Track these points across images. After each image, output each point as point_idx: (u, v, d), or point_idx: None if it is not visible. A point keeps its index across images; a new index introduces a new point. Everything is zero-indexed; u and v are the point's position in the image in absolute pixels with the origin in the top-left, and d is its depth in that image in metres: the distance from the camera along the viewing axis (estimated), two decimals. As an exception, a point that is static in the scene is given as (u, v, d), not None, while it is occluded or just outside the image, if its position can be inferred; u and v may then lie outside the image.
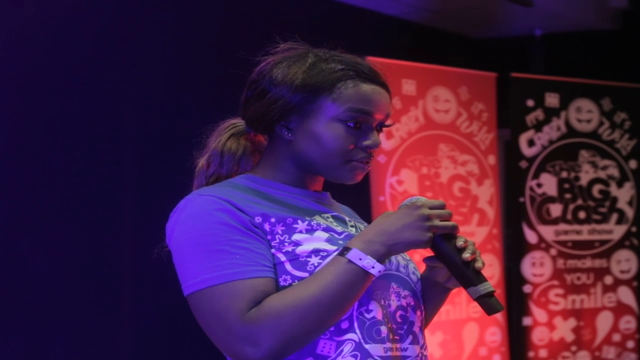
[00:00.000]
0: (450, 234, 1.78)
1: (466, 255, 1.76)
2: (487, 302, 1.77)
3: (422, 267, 1.92)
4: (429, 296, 1.94)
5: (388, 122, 1.92)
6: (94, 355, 4.43)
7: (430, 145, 5.18)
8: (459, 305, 5.15)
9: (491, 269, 5.32)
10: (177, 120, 4.60)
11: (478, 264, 1.77)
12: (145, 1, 4.65)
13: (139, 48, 4.61)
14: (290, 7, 5.20)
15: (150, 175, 4.55)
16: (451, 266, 1.79)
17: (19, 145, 4.18)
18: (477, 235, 5.29)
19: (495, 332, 5.36)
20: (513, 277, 5.58)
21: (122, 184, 4.54)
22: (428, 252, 1.83)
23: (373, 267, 1.72)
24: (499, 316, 5.36)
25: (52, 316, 4.25)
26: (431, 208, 1.77)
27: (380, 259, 1.73)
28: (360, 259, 1.71)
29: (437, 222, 1.76)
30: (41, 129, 4.24)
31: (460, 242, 1.77)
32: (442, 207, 1.79)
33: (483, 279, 1.77)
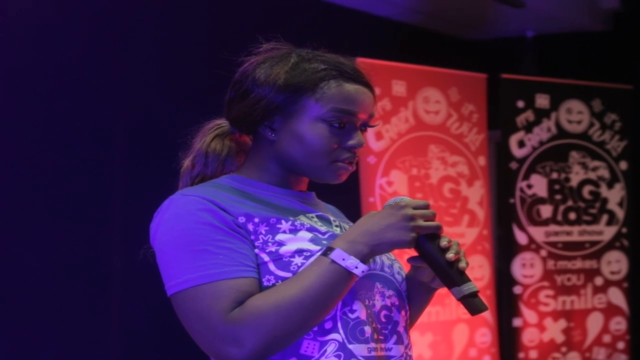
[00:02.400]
0: (434, 234, 1.78)
1: (450, 255, 1.76)
2: (470, 302, 1.77)
3: (408, 267, 1.92)
4: (414, 296, 1.94)
5: (373, 123, 1.92)
6: (84, 356, 4.42)
7: (420, 146, 5.18)
8: (448, 306, 5.15)
9: (481, 270, 5.33)
10: (166, 120, 4.59)
11: (462, 264, 1.77)
12: (132, 2, 4.64)
13: (127, 49, 4.61)
14: (280, 8, 5.19)
15: (140, 176, 4.55)
16: (435, 266, 1.79)
17: (7, 145, 4.17)
18: (467, 237, 5.29)
19: (485, 333, 5.36)
20: (503, 278, 5.58)
21: (112, 185, 4.54)
22: (413, 252, 1.83)
23: (356, 267, 1.72)
24: (489, 317, 5.36)
25: (41, 317, 4.24)
26: (415, 208, 1.78)
27: (364, 259, 1.73)
28: (343, 259, 1.71)
29: (420, 222, 1.76)
30: (30, 128, 4.23)
31: (444, 242, 1.77)
32: (426, 207, 1.79)
33: (467, 279, 1.77)
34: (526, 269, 5.57)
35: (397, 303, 1.85)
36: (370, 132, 4.91)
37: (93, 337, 4.46)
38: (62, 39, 4.32)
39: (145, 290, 4.38)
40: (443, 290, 1.97)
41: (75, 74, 4.37)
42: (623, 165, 5.83)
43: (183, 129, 2.02)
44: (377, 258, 1.85)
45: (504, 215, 5.61)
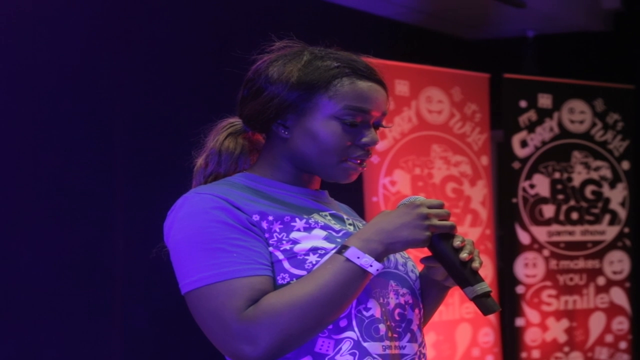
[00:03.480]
0: (448, 234, 1.78)
1: (463, 255, 1.76)
2: (483, 302, 1.77)
3: (421, 265, 1.92)
4: (427, 294, 1.94)
5: (385, 124, 1.92)
6: (86, 357, 4.42)
7: (423, 146, 5.18)
8: (452, 306, 5.15)
9: (484, 270, 5.32)
10: (171, 120, 4.60)
11: (475, 264, 1.77)
12: (138, 0, 4.64)
13: (132, 47, 4.60)
14: (283, 8, 5.20)
15: (143, 177, 4.54)
16: (448, 266, 1.78)
17: (10, 146, 4.16)
18: (470, 236, 5.29)
19: (488, 333, 5.36)
20: (506, 278, 5.59)
21: (115, 185, 4.54)
22: (426, 252, 1.83)
23: (371, 266, 1.72)
24: (492, 317, 5.36)
25: (43, 317, 4.23)
26: (430, 207, 1.77)
27: (378, 258, 1.73)
28: (358, 258, 1.71)
29: (435, 222, 1.76)
30: (33, 128, 4.23)
31: (457, 242, 1.77)
32: (441, 206, 1.79)
33: (480, 279, 1.77)
34: (529, 268, 5.58)
35: (410, 301, 1.85)
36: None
37: (95, 337, 4.46)
38: (66, 38, 4.32)
39: (148, 291, 4.39)
40: (452, 288, 1.97)
41: (79, 74, 4.37)
42: (625, 165, 5.84)
43: (192, 128, 2.02)
44: (391, 256, 1.84)
45: (507, 215, 5.62)
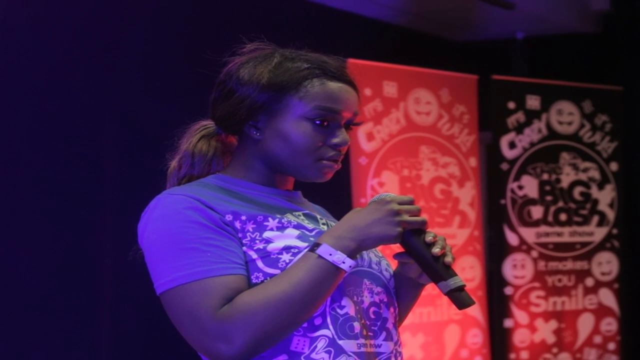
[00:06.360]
0: (419, 229, 1.79)
1: (435, 250, 1.77)
2: (457, 297, 1.78)
3: (396, 264, 1.93)
4: (402, 292, 1.94)
5: (358, 121, 1.93)
6: (75, 357, 4.42)
7: (411, 147, 5.19)
8: (440, 307, 5.15)
9: (472, 271, 5.34)
10: (157, 121, 4.59)
11: (448, 259, 1.77)
12: (119, 3, 4.64)
13: (116, 50, 4.61)
14: (271, 10, 5.20)
15: (131, 176, 4.55)
16: (421, 261, 1.79)
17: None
18: (458, 238, 5.30)
19: (476, 334, 5.37)
20: (494, 279, 5.59)
21: (103, 185, 4.54)
22: (399, 249, 1.83)
23: (343, 263, 1.73)
24: (480, 318, 5.37)
25: (31, 318, 4.24)
26: (400, 203, 1.78)
27: (351, 255, 1.74)
28: (330, 255, 1.72)
29: (406, 217, 1.77)
30: (21, 129, 4.23)
31: (429, 237, 1.78)
32: (411, 202, 1.80)
33: (453, 273, 1.78)
34: (517, 269, 5.59)
35: (385, 300, 1.86)
36: (361, 133, 4.93)
37: (84, 338, 4.46)
38: (51, 40, 4.32)
39: (137, 292, 4.38)
40: (434, 291, 1.98)
41: (65, 75, 4.37)
42: (613, 166, 5.85)
43: (173, 129, 2.03)
44: (365, 255, 1.86)
45: (495, 216, 5.63)
